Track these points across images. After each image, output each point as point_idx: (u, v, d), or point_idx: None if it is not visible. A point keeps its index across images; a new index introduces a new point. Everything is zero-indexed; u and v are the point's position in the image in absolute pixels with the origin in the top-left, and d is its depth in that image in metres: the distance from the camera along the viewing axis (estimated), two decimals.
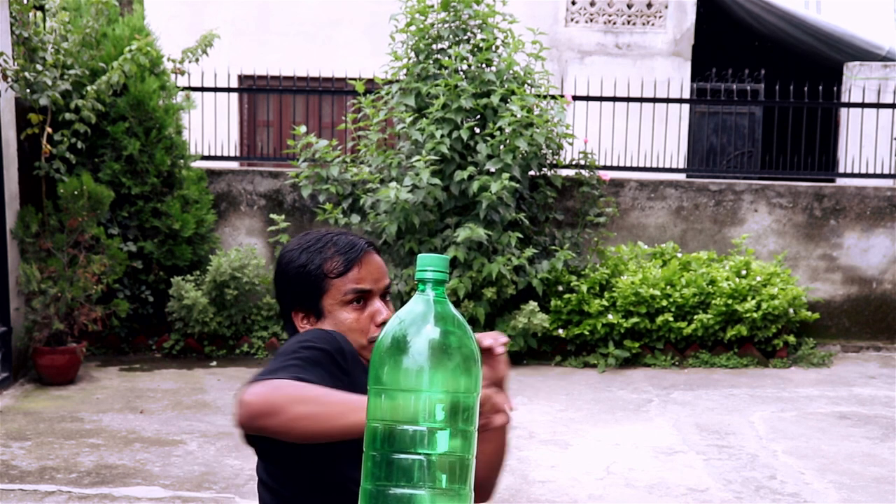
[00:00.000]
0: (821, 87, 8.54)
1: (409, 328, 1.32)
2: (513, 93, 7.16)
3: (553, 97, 7.46)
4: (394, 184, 6.80)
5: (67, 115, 6.65)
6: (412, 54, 7.41)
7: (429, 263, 1.36)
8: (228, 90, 8.47)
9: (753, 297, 7.11)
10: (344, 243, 1.90)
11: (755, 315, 7.03)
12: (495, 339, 1.65)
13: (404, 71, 7.43)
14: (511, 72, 7.31)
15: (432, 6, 7.33)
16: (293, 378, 1.64)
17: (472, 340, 1.34)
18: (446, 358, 1.30)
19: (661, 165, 8.64)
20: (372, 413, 1.32)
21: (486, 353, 1.65)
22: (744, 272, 7.23)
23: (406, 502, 1.28)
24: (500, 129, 7.04)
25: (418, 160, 6.83)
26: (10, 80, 6.26)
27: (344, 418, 1.52)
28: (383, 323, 1.85)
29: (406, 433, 1.29)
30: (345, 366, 1.77)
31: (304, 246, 1.92)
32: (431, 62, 7.29)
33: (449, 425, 1.30)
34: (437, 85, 7.08)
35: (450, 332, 1.32)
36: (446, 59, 7.15)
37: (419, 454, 1.29)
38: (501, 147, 6.98)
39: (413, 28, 7.33)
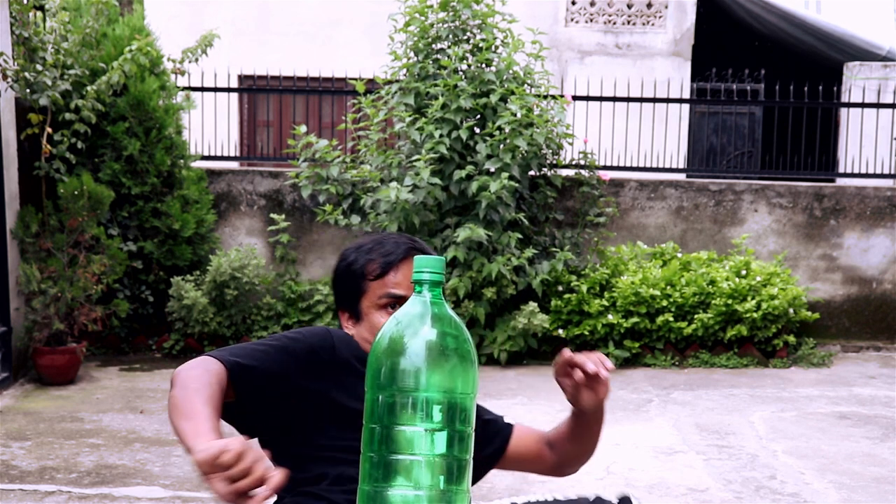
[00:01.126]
0: (821, 87, 8.54)
1: (406, 329, 1.32)
2: (512, 93, 7.15)
3: (553, 97, 7.45)
4: (394, 184, 6.79)
5: (67, 115, 6.65)
6: (412, 54, 7.41)
7: (425, 265, 1.36)
8: (228, 90, 8.47)
9: (753, 297, 7.11)
10: (389, 246, 1.87)
11: (755, 315, 7.03)
12: (601, 364, 1.67)
13: (404, 71, 7.43)
14: (511, 72, 7.31)
15: (431, 6, 7.33)
16: (231, 357, 1.65)
17: (468, 342, 1.34)
18: (443, 359, 1.30)
19: (661, 165, 8.64)
20: (370, 414, 1.32)
21: (591, 378, 1.70)
22: (744, 272, 7.23)
23: (404, 503, 1.28)
24: (500, 128, 7.03)
25: (418, 160, 6.83)
26: (10, 80, 6.25)
27: (174, 416, 1.53)
28: None
29: (404, 434, 1.29)
30: (330, 362, 1.76)
31: (359, 245, 1.92)
32: (431, 62, 7.29)
33: (446, 426, 1.30)
34: (436, 85, 7.08)
35: (447, 334, 1.32)
36: (446, 59, 7.15)
37: (417, 455, 1.29)
38: (501, 146, 6.98)
39: (412, 28, 7.33)
